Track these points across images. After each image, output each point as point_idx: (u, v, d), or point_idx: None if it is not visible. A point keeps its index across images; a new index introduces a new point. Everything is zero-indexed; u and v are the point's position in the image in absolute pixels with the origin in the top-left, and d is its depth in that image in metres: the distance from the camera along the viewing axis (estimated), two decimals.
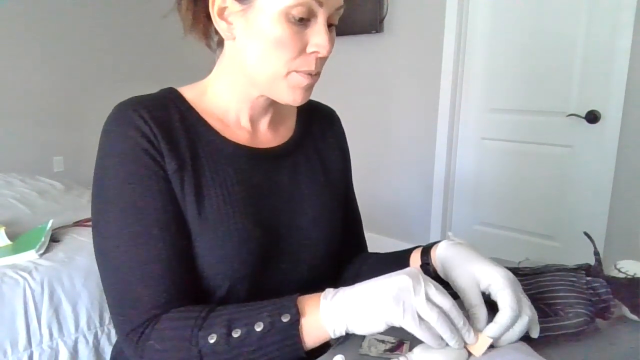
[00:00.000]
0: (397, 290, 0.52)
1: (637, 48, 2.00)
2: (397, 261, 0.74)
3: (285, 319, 0.54)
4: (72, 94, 3.56)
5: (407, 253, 0.74)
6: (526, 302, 0.57)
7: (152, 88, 0.73)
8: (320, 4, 0.60)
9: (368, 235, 0.90)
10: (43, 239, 1.40)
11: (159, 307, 0.60)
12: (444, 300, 0.52)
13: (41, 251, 1.37)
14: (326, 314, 0.54)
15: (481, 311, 0.56)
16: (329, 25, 0.63)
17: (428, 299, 0.51)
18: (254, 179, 0.69)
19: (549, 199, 2.39)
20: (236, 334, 0.54)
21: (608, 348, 0.65)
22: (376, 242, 0.84)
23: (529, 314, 0.56)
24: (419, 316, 0.50)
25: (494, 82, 2.49)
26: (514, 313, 0.54)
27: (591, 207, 2.25)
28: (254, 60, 0.64)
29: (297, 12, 0.59)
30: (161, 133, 0.63)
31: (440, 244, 0.68)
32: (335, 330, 0.54)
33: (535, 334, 0.58)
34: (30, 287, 1.23)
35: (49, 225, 1.49)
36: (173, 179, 0.63)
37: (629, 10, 2.00)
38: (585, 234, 0.77)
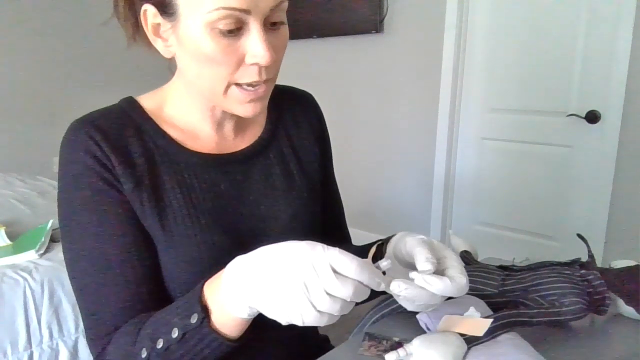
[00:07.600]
0: (299, 275, 0.45)
1: (637, 48, 2.00)
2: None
3: (194, 319, 0.51)
4: (73, 94, 3.56)
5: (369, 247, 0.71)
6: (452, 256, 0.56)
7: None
8: (248, 12, 0.54)
9: (368, 235, 0.90)
10: (43, 239, 1.41)
11: (115, 331, 0.60)
12: (352, 268, 0.45)
13: (41, 251, 1.37)
14: (229, 303, 0.50)
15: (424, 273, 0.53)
16: (274, 24, 0.58)
17: (336, 274, 0.45)
18: (221, 187, 0.67)
19: (549, 199, 2.39)
20: (159, 344, 0.52)
21: (606, 346, 0.65)
22: None
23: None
24: (332, 295, 0.45)
25: (494, 81, 2.49)
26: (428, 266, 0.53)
27: (591, 207, 2.24)
28: (193, 77, 0.60)
29: (224, 25, 0.54)
30: (114, 153, 0.61)
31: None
32: (245, 314, 0.50)
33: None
34: (30, 287, 1.23)
35: (49, 225, 1.49)
36: (131, 199, 0.61)
37: (629, 10, 2.00)
38: (579, 236, 0.77)
